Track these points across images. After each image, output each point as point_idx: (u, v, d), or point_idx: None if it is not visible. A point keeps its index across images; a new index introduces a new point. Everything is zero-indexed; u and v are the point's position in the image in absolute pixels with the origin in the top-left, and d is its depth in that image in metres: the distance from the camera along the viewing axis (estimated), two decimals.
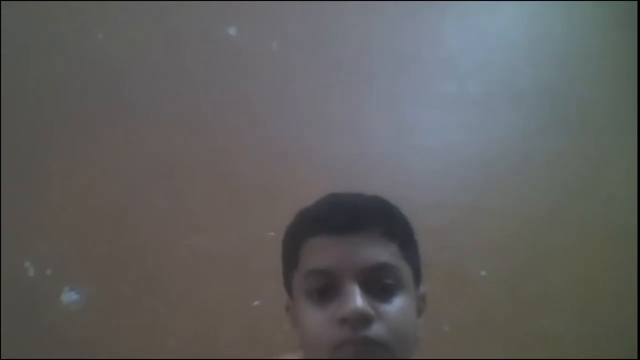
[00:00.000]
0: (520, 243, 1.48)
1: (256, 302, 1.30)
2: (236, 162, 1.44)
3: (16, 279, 1.30)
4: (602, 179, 1.56)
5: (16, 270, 1.30)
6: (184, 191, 1.41)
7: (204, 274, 1.34)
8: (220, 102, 1.48)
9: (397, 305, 0.68)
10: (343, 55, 1.56)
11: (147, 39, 1.48)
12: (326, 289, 0.68)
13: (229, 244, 1.36)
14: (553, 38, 1.66)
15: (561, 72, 1.63)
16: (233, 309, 1.32)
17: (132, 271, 1.34)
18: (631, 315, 1.44)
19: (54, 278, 1.31)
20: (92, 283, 1.31)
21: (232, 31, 1.52)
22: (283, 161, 1.45)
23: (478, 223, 1.48)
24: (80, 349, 1.26)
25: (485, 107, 1.58)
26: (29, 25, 1.44)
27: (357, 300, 0.65)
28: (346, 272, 0.67)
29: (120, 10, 1.48)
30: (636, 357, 1.38)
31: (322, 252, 0.69)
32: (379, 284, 0.68)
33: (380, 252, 0.69)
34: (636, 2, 1.65)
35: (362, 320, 0.64)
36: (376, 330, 0.65)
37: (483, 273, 1.44)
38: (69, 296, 1.30)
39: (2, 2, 1.42)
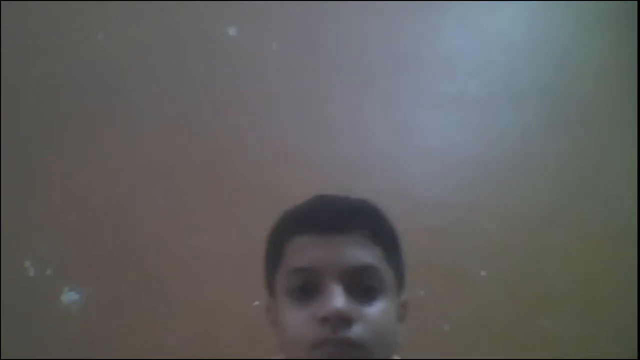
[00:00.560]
0: (520, 243, 1.48)
1: (256, 302, 1.29)
2: (236, 162, 1.44)
3: (16, 279, 1.30)
4: (602, 179, 1.56)
5: (16, 270, 1.30)
6: (184, 191, 1.41)
7: (204, 274, 1.34)
8: (220, 102, 1.48)
9: (379, 308, 0.67)
10: (343, 55, 1.56)
11: (147, 39, 1.48)
12: (308, 288, 0.68)
13: (229, 244, 1.36)
14: (553, 38, 1.66)
15: (561, 72, 1.63)
16: (233, 309, 1.32)
17: (132, 271, 1.34)
18: (631, 315, 1.44)
19: (54, 278, 1.31)
20: (92, 283, 1.31)
21: (232, 31, 1.52)
22: (283, 161, 1.45)
23: (478, 223, 1.48)
24: (80, 349, 1.26)
25: (485, 107, 1.58)
26: (29, 25, 1.44)
27: (339, 300, 0.65)
28: (329, 272, 0.67)
29: (120, 10, 1.48)
30: (636, 357, 1.38)
31: (305, 251, 0.69)
32: (361, 286, 0.68)
33: (364, 254, 0.69)
34: (636, 2, 1.65)
35: (343, 320, 0.64)
36: (356, 331, 0.64)
37: (483, 273, 1.44)
38: (69, 296, 1.30)
39: (2, 2, 1.42)
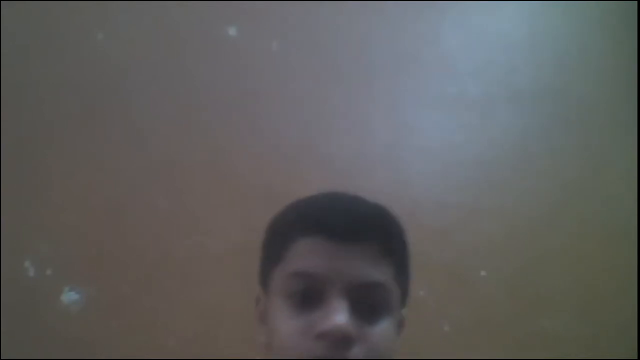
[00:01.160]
0: (520, 243, 1.48)
1: None
2: (236, 162, 1.44)
3: (16, 279, 1.29)
4: (602, 179, 1.56)
5: (16, 270, 1.30)
6: (183, 191, 1.41)
7: (204, 274, 1.34)
8: (220, 102, 1.48)
9: (382, 328, 0.63)
10: (343, 55, 1.56)
11: (147, 39, 1.48)
12: (309, 295, 0.63)
13: (229, 243, 1.36)
14: (553, 38, 1.66)
15: (561, 72, 1.63)
16: (233, 309, 1.32)
17: (132, 271, 1.34)
18: (631, 315, 1.44)
19: (54, 278, 1.30)
20: (92, 283, 1.31)
21: (232, 31, 1.52)
22: (283, 161, 1.45)
23: (478, 223, 1.48)
24: (80, 349, 1.26)
25: (485, 107, 1.58)
26: (29, 25, 1.44)
27: (342, 316, 0.60)
28: (335, 283, 0.62)
29: (120, 10, 1.48)
30: (636, 357, 1.38)
31: (313, 255, 0.64)
32: (366, 303, 0.63)
33: (375, 270, 0.64)
34: (636, 2, 1.65)
35: (343, 339, 0.60)
36: (356, 353, 0.60)
37: (483, 273, 1.44)
38: (69, 296, 1.30)
39: (2, 2, 1.42)
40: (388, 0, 1.59)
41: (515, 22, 1.66)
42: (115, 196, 1.38)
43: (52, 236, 1.33)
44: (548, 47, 1.65)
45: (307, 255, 0.65)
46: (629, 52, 1.65)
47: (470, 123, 1.56)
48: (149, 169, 1.41)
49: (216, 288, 1.34)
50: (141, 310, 1.31)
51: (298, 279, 0.64)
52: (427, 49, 1.60)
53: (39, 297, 1.29)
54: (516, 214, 1.50)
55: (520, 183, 1.53)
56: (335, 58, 1.56)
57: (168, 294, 1.33)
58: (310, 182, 1.39)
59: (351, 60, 1.56)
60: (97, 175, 1.39)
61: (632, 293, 1.46)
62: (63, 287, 1.30)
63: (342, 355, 0.60)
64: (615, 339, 1.45)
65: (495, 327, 1.41)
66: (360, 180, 1.44)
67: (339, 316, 0.60)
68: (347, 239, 0.64)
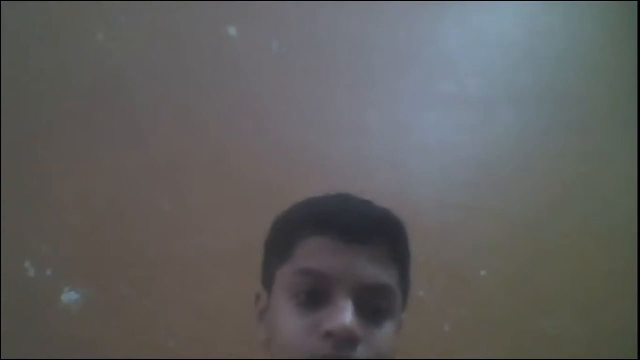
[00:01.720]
0: (520, 243, 1.48)
1: None
2: (236, 162, 1.44)
3: (16, 279, 1.29)
4: (602, 179, 1.56)
5: (16, 270, 1.29)
6: (183, 191, 1.41)
7: (204, 274, 1.34)
8: (220, 102, 1.47)
9: (385, 331, 0.64)
10: (343, 55, 1.56)
11: (147, 39, 1.48)
12: (315, 294, 0.64)
13: (229, 243, 1.36)
14: (553, 38, 1.66)
15: (561, 72, 1.63)
16: (233, 309, 1.32)
17: (132, 271, 1.33)
18: (631, 315, 1.45)
19: (54, 278, 1.30)
20: (92, 283, 1.31)
21: (232, 31, 1.52)
22: (283, 161, 1.45)
23: (478, 223, 1.48)
24: (80, 349, 1.26)
25: (485, 107, 1.58)
26: (29, 25, 1.44)
27: (349, 316, 0.60)
28: (342, 283, 0.63)
29: (120, 10, 1.48)
30: (636, 357, 1.38)
31: (321, 254, 0.64)
32: (371, 304, 0.64)
33: (382, 272, 0.65)
34: (636, 2, 1.65)
35: (349, 339, 0.60)
36: (360, 353, 0.61)
37: (483, 273, 1.44)
38: (69, 296, 1.30)
39: (2, 2, 1.42)
40: (388, 0, 1.59)
41: (515, 22, 1.66)
42: (115, 196, 1.38)
43: (52, 236, 1.33)
44: (548, 47, 1.65)
45: (316, 253, 0.65)
46: (629, 52, 1.65)
47: (470, 123, 1.56)
48: (149, 169, 1.41)
49: (216, 288, 1.34)
50: (141, 310, 1.31)
51: (305, 277, 0.65)
52: (427, 49, 1.60)
53: (39, 297, 1.29)
54: (516, 214, 1.50)
55: (520, 183, 1.53)
56: (335, 58, 1.56)
57: (168, 294, 1.33)
58: (310, 182, 1.39)
59: (351, 60, 1.56)
60: (97, 175, 1.39)
61: (632, 293, 1.46)
62: (63, 287, 1.30)
63: (348, 354, 0.60)
64: (615, 339, 1.45)
65: (495, 327, 1.41)
66: (360, 180, 1.44)
67: (346, 316, 0.60)
68: (358, 240, 0.65)
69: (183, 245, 1.35)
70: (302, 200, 0.73)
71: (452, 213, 1.47)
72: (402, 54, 1.58)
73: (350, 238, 0.64)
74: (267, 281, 0.72)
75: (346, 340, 0.60)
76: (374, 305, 0.64)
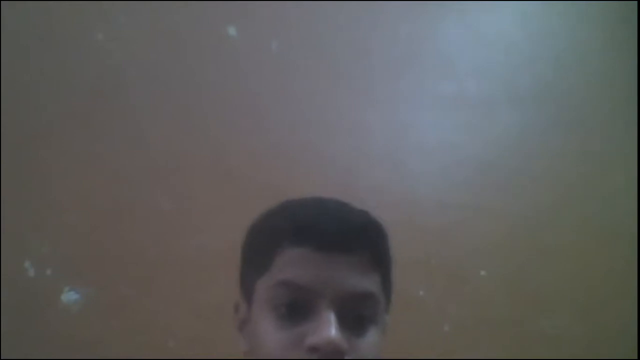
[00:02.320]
0: (520, 243, 1.48)
1: None
2: (236, 162, 1.44)
3: (16, 279, 1.29)
4: (602, 179, 1.56)
5: (16, 270, 1.29)
6: (183, 191, 1.41)
7: (204, 274, 1.34)
8: (220, 102, 1.47)
9: (370, 340, 0.63)
10: (343, 55, 1.56)
11: (147, 39, 1.48)
12: (297, 306, 0.62)
13: (229, 244, 1.35)
14: (553, 38, 1.66)
15: (561, 72, 1.63)
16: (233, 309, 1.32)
17: (132, 271, 1.33)
18: (631, 315, 1.45)
19: (54, 278, 1.30)
20: (92, 283, 1.31)
21: (232, 31, 1.52)
22: (283, 161, 1.45)
23: (478, 223, 1.48)
24: (80, 349, 1.26)
25: (485, 107, 1.58)
26: (29, 25, 1.44)
27: (333, 330, 0.59)
28: (324, 295, 0.61)
29: (120, 10, 1.48)
30: (636, 357, 1.38)
31: (301, 266, 0.63)
32: (354, 314, 0.63)
33: (364, 280, 0.64)
34: (636, 2, 1.65)
35: (335, 352, 0.59)
36: None
37: (483, 273, 1.44)
38: (69, 296, 1.30)
39: (2, 2, 1.42)
40: (388, 0, 1.59)
41: (515, 22, 1.66)
42: (115, 196, 1.38)
43: (52, 236, 1.33)
44: (548, 47, 1.65)
45: (295, 265, 0.63)
46: (629, 52, 1.65)
47: (470, 123, 1.56)
48: (149, 169, 1.41)
49: (216, 288, 1.33)
50: (141, 310, 1.31)
51: (285, 290, 0.63)
52: (427, 49, 1.60)
53: (39, 297, 1.29)
54: (516, 214, 1.50)
55: (520, 183, 1.53)
56: (335, 58, 1.56)
57: (168, 294, 1.33)
58: (310, 182, 1.39)
59: (351, 60, 1.56)
60: (97, 175, 1.39)
61: (632, 293, 1.46)
62: (63, 287, 1.30)
63: None
64: (615, 339, 1.45)
65: (495, 327, 1.41)
66: (360, 180, 1.44)
67: (331, 330, 0.59)
68: (337, 249, 0.63)
69: (183, 245, 1.35)
70: (277, 206, 0.71)
71: (452, 213, 1.47)
72: (402, 54, 1.58)
73: (330, 247, 0.63)
74: (247, 291, 0.71)
75: (331, 354, 0.59)
76: (357, 313, 0.63)
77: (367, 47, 1.58)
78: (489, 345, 1.39)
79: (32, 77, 1.42)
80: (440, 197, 1.48)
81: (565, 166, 1.56)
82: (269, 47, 1.53)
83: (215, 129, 1.45)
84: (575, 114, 1.61)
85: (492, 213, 1.49)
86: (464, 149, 1.54)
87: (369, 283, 0.64)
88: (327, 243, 0.63)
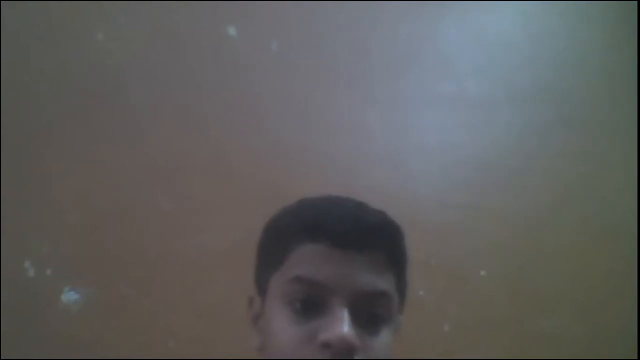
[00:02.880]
0: (520, 243, 1.48)
1: None
2: (236, 162, 1.44)
3: (16, 279, 1.29)
4: (602, 179, 1.56)
5: (16, 270, 1.30)
6: (183, 191, 1.41)
7: (204, 274, 1.34)
8: (220, 102, 1.48)
9: (382, 339, 0.63)
10: (343, 55, 1.56)
11: (147, 39, 1.48)
12: (311, 302, 0.63)
13: (229, 243, 1.36)
14: (553, 38, 1.66)
15: (561, 72, 1.63)
16: (233, 309, 1.31)
17: (132, 271, 1.33)
18: (631, 315, 1.45)
19: (54, 278, 1.30)
20: (92, 283, 1.31)
21: (232, 31, 1.52)
22: (283, 161, 1.45)
23: (478, 223, 1.48)
24: (80, 349, 1.26)
25: (485, 107, 1.58)
26: (29, 25, 1.44)
27: (346, 326, 0.60)
28: (338, 292, 0.62)
29: (120, 10, 1.48)
30: (636, 357, 1.38)
31: (316, 262, 0.63)
32: (367, 312, 0.63)
33: (379, 279, 0.64)
34: (636, 2, 1.65)
35: (347, 349, 0.59)
36: None
37: (483, 273, 1.44)
38: (69, 296, 1.30)
39: (2, 2, 1.42)
40: (388, 0, 1.59)
41: (515, 22, 1.66)
42: (115, 196, 1.38)
43: (52, 236, 1.33)
44: (548, 47, 1.65)
45: (310, 261, 0.64)
46: (629, 52, 1.65)
47: (470, 123, 1.56)
48: (149, 169, 1.41)
49: (216, 288, 1.34)
50: (141, 310, 1.31)
51: (300, 285, 0.63)
52: (427, 49, 1.60)
53: (39, 297, 1.29)
54: (516, 214, 1.50)
55: (520, 183, 1.53)
56: (335, 58, 1.56)
57: (168, 294, 1.33)
58: (310, 182, 1.39)
59: (351, 60, 1.56)
60: (97, 175, 1.39)
61: (632, 293, 1.46)
62: (63, 287, 1.30)
63: None
64: (615, 339, 1.45)
65: (495, 327, 1.41)
66: (360, 180, 1.44)
67: (344, 326, 0.60)
68: (353, 246, 0.63)
69: (183, 245, 1.35)
70: (295, 202, 0.72)
71: (452, 213, 1.47)
72: (402, 54, 1.58)
73: (346, 245, 0.63)
74: (261, 286, 0.71)
75: (344, 351, 0.59)
76: (371, 312, 0.64)
77: (367, 47, 1.58)
78: (489, 345, 1.39)
79: (32, 77, 1.42)
80: (440, 197, 1.48)
81: (565, 166, 1.56)
82: (269, 47, 1.53)
83: (215, 129, 1.45)
84: (575, 114, 1.61)
85: (492, 213, 1.49)
86: (464, 149, 1.54)
87: (383, 282, 0.65)
88: (343, 240, 0.63)
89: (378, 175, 1.48)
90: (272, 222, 0.73)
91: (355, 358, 0.60)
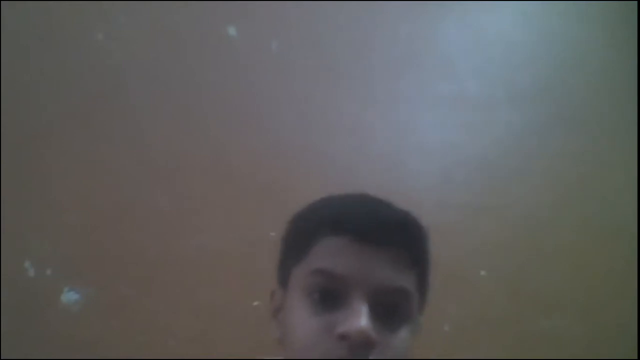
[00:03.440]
0: (520, 243, 1.48)
1: (256, 303, 1.30)
2: (236, 162, 1.44)
3: (16, 279, 1.29)
4: (602, 179, 1.56)
5: (16, 270, 1.30)
6: (183, 191, 1.41)
7: (204, 274, 1.34)
8: (220, 102, 1.48)
9: (401, 337, 0.63)
10: (343, 55, 1.56)
11: (147, 39, 1.48)
12: (331, 294, 0.63)
13: (229, 244, 1.36)
14: (553, 38, 1.66)
15: (561, 72, 1.63)
16: (233, 309, 1.32)
17: (132, 271, 1.34)
18: (631, 315, 1.45)
19: (54, 278, 1.30)
20: (92, 283, 1.31)
21: (232, 31, 1.52)
22: (284, 161, 1.45)
23: (478, 223, 1.48)
24: (80, 349, 1.26)
25: (485, 107, 1.58)
26: (29, 25, 1.44)
27: (365, 319, 0.60)
28: (359, 285, 0.62)
29: (120, 10, 1.48)
30: (636, 357, 1.38)
31: (338, 255, 0.63)
32: (387, 308, 0.63)
33: (400, 275, 0.64)
34: (636, 2, 1.65)
35: (364, 342, 0.59)
36: (375, 357, 0.60)
37: (483, 273, 1.44)
38: (69, 296, 1.30)
39: (2, 2, 1.42)
40: (388, 0, 1.59)
41: (515, 22, 1.66)
42: (115, 196, 1.38)
43: (52, 236, 1.33)
44: (548, 47, 1.65)
45: (332, 254, 0.64)
46: (629, 52, 1.65)
47: (471, 123, 1.56)
48: (148, 169, 1.41)
49: (216, 288, 1.34)
50: (141, 310, 1.31)
51: (321, 278, 0.64)
52: (427, 49, 1.60)
53: (39, 297, 1.29)
54: (516, 214, 1.50)
55: (520, 183, 1.53)
56: (335, 58, 1.56)
57: (168, 294, 1.33)
58: (310, 182, 1.39)
59: (351, 60, 1.56)
60: (97, 175, 1.39)
61: (632, 293, 1.46)
62: (63, 287, 1.30)
63: (363, 357, 0.60)
64: (615, 339, 1.45)
65: (495, 327, 1.41)
66: (360, 180, 1.44)
67: (362, 319, 0.60)
68: (376, 242, 0.64)
69: (183, 245, 1.36)
70: (321, 198, 0.72)
71: (452, 213, 1.47)
72: (402, 54, 1.58)
73: (369, 240, 0.63)
74: (283, 279, 0.71)
75: (361, 344, 0.60)
76: (391, 308, 0.64)
77: (367, 47, 1.58)
78: (489, 345, 1.39)
79: (32, 77, 1.42)
80: (440, 197, 1.48)
81: (565, 166, 1.56)
82: (269, 47, 1.53)
83: (215, 129, 1.45)
84: (575, 114, 1.61)
85: (492, 213, 1.49)
86: (464, 149, 1.54)
87: (404, 280, 0.65)
88: (365, 235, 0.63)
89: (378, 175, 1.48)
90: (296, 216, 0.73)
91: (373, 353, 0.60)
